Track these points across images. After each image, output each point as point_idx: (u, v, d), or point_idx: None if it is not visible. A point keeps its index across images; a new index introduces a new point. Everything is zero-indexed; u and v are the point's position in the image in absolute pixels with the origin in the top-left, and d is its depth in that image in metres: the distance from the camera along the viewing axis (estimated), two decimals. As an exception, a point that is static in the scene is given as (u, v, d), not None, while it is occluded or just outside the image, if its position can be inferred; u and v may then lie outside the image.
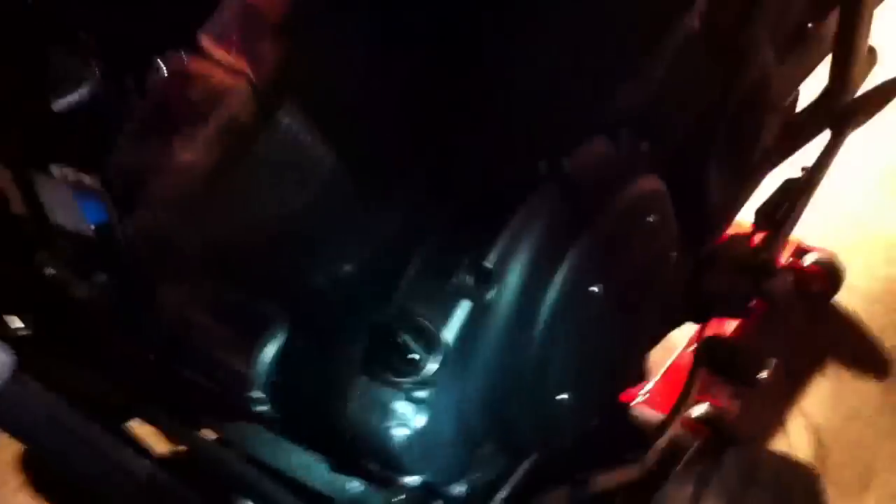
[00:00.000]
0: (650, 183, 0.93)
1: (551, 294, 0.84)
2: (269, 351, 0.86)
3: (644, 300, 0.97)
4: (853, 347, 1.78)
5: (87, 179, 0.55)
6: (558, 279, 0.84)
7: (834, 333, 1.82)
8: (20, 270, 0.71)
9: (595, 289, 0.87)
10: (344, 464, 0.98)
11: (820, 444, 1.60)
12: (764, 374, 1.01)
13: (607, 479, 0.98)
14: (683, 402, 1.06)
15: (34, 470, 0.94)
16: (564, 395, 0.89)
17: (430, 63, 0.73)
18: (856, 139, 2.06)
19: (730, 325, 1.51)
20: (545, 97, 0.80)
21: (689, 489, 0.99)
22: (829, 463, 1.57)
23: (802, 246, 1.86)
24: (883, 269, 1.94)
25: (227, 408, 0.93)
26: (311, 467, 0.98)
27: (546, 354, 0.86)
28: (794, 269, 1.82)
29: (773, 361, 1.01)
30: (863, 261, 1.94)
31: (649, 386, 1.48)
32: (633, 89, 0.88)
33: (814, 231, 1.90)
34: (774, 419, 1.64)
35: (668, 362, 1.49)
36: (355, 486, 0.97)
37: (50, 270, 0.70)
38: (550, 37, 0.80)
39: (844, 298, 1.87)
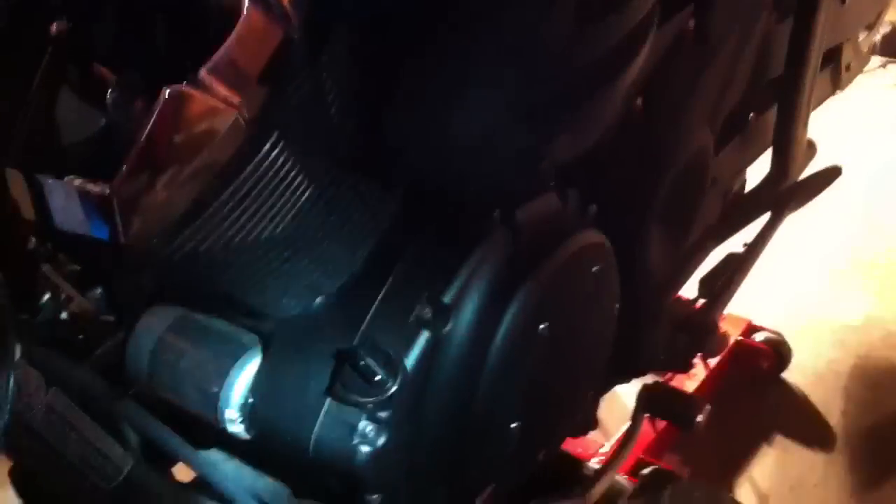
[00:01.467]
0: (595, 237, 1.03)
1: (502, 330, 0.93)
2: (244, 373, 0.95)
3: (588, 345, 1.07)
4: (799, 422, 1.88)
5: (97, 188, 0.64)
6: (508, 317, 0.93)
7: (781, 408, 1.91)
8: (23, 279, 0.79)
9: (542, 326, 0.96)
10: (307, 490, 1.06)
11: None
12: (700, 418, 1.09)
13: (552, 512, 1.06)
14: (626, 444, 1.14)
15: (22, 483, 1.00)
16: (512, 425, 0.98)
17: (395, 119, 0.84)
18: (806, 232, 2.21)
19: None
20: (493, 155, 0.91)
21: (627, 520, 1.07)
22: (774, 531, 1.64)
23: (753, 325, 1.97)
24: (829, 352, 2.05)
25: (200, 433, 0.99)
26: (275, 493, 1.05)
27: (496, 385, 0.94)
28: (744, 345, 1.92)
29: (708, 407, 1.10)
30: (811, 343, 2.05)
31: (605, 448, 1.57)
32: (572, 149, 0.98)
33: (765, 314, 2.02)
34: (723, 486, 1.72)
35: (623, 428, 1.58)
36: (317, 512, 1.04)
37: (52, 280, 0.79)
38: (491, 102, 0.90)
39: (792, 377, 1.97)
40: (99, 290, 0.87)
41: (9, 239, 0.72)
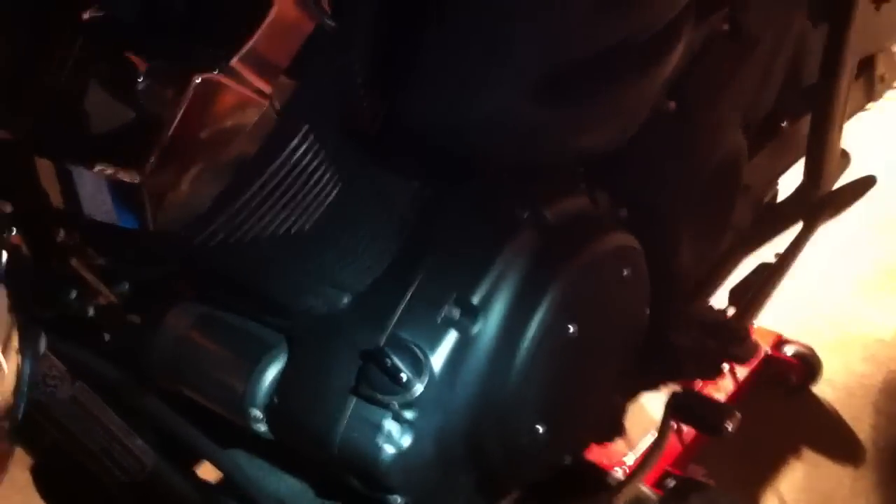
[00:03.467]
0: (625, 239, 1.02)
1: (530, 331, 0.92)
2: (268, 372, 0.94)
3: (617, 348, 1.05)
4: (829, 436, 1.85)
5: (127, 176, 0.64)
6: (537, 317, 0.92)
7: (810, 422, 1.88)
8: (52, 272, 0.79)
9: (571, 328, 0.95)
10: (330, 491, 1.05)
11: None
12: (729, 425, 1.08)
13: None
14: (653, 451, 1.13)
15: (44, 484, 1.00)
16: (539, 427, 0.96)
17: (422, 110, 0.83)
18: (837, 246, 2.18)
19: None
20: (523, 149, 0.90)
21: (655, 528, 1.05)
22: (803, 545, 1.62)
23: (782, 338, 1.94)
24: (859, 367, 2.02)
25: (224, 432, 0.99)
26: (300, 493, 1.05)
27: (523, 386, 0.93)
28: (774, 358, 1.90)
29: (738, 414, 1.08)
30: (840, 357, 2.02)
31: (629, 458, 1.55)
32: (604, 144, 0.97)
33: (795, 329, 1.99)
34: (751, 501, 1.69)
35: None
36: (340, 513, 1.04)
37: (80, 273, 0.79)
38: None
39: (822, 391, 1.94)
40: (126, 286, 0.86)
41: (38, 231, 0.72)
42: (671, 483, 1.26)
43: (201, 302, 1.00)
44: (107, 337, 0.90)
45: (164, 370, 0.99)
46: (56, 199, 0.68)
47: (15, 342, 0.58)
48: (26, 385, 0.61)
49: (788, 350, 1.94)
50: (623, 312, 1.05)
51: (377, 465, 0.89)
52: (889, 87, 1.75)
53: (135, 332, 1.00)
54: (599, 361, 1.03)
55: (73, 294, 0.87)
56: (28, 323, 0.61)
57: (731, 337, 1.22)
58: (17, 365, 0.59)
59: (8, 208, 0.67)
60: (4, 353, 0.56)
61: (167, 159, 0.65)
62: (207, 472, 1.02)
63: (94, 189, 0.66)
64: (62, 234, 0.80)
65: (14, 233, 0.66)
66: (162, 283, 0.97)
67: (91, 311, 0.89)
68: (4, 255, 0.63)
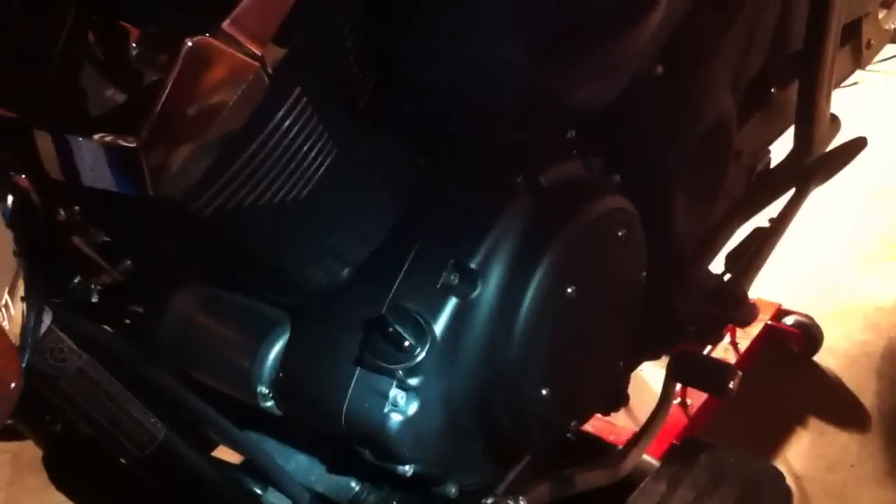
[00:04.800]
0: (620, 202, 1.03)
1: (530, 293, 0.93)
2: (274, 348, 0.95)
3: (617, 311, 1.06)
4: (833, 404, 1.86)
5: (124, 141, 0.65)
6: (535, 280, 0.93)
7: (814, 391, 1.89)
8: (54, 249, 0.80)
9: (569, 290, 0.96)
10: (340, 464, 1.06)
11: (803, 493, 1.66)
12: (732, 384, 1.08)
13: (588, 478, 1.05)
14: (658, 413, 1.13)
15: (55, 470, 1.00)
16: (543, 390, 0.97)
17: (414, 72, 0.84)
18: (837, 215, 2.19)
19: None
20: (515, 107, 0.91)
21: (662, 486, 1.06)
22: (811, 510, 1.62)
23: (783, 308, 1.95)
24: (861, 335, 2.03)
25: (233, 410, 0.99)
26: (310, 468, 1.06)
27: (526, 349, 0.94)
28: (775, 329, 1.91)
29: (739, 373, 1.09)
30: (842, 327, 2.03)
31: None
32: (594, 100, 0.99)
33: (796, 300, 2.00)
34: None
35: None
36: (352, 485, 1.04)
37: (83, 251, 0.79)
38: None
39: (824, 360, 1.95)
40: (128, 263, 0.87)
41: (40, 206, 0.73)
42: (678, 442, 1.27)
43: (205, 283, 1.01)
44: (111, 312, 0.90)
45: (172, 353, 1.00)
46: (55, 171, 0.69)
47: (21, 289, 0.59)
48: (31, 331, 0.61)
49: (789, 320, 1.95)
50: (621, 274, 1.06)
51: (385, 434, 0.90)
52: (876, 53, 1.77)
53: (140, 317, 1.01)
54: (600, 324, 1.04)
55: (77, 279, 0.88)
56: (34, 270, 0.61)
57: (731, 301, 1.22)
58: (23, 310, 0.59)
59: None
60: (10, 297, 0.57)
61: (163, 123, 0.66)
62: (217, 452, 1.03)
63: (93, 157, 0.67)
64: (62, 213, 0.80)
65: (23, 177, 0.66)
66: (164, 265, 0.97)
67: (95, 297, 0.90)
68: (10, 198, 0.63)
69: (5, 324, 0.56)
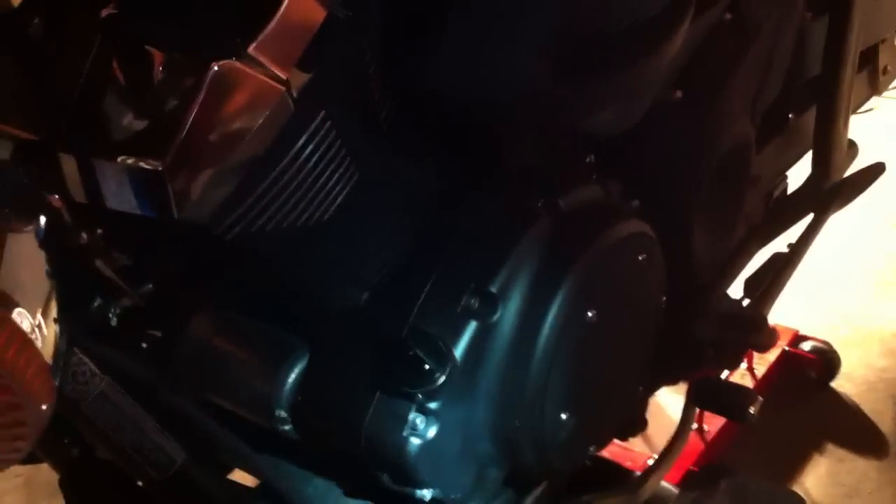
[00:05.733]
0: (639, 226, 1.03)
1: (550, 317, 0.93)
2: (293, 372, 0.95)
3: (636, 336, 1.06)
4: (851, 430, 1.84)
5: (149, 165, 0.65)
6: (555, 304, 0.93)
7: (832, 417, 1.88)
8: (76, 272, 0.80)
9: (589, 314, 0.96)
10: (358, 489, 1.05)
11: (822, 519, 1.64)
12: (752, 409, 1.08)
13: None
14: (677, 439, 1.13)
15: (73, 493, 1.00)
16: (563, 415, 0.97)
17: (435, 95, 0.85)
18: (851, 242, 2.19)
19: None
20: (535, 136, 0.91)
21: (683, 513, 1.05)
22: (831, 537, 1.61)
23: (800, 335, 1.94)
24: (879, 361, 2.02)
25: (251, 434, 0.99)
26: (328, 493, 1.05)
27: (545, 374, 0.94)
28: (792, 355, 1.90)
29: (760, 399, 1.09)
30: (859, 353, 2.02)
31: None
32: (613, 126, 0.99)
33: (813, 326, 2.00)
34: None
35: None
36: (369, 511, 1.04)
37: (104, 274, 0.80)
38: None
39: (842, 386, 1.94)
40: (149, 287, 0.87)
41: (63, 228, 0.73)
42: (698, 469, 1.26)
43: (222, 308, 1.01)
44: (132, 336, 0.90)
45: (190, 376, 1.00)
46: (79, 194, 0.70)
47: (53, 310, 0.59)
48: (63, 353, 0.62)
49: (806, 346, 1.94)
50: (640, 299, 1.05)
51: (403, 457, 0.90)
52: (892, 78, 1.77)
53: (158, 341, 1.01)
54: (620, 349, 1.04)
55: (97, 302, 0.88)
56: (66, 291, 0.62)
57: (750, 325, 1.22)
58: (55, 332, 0.59)
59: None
60: (44, 318, 0.57)
61: (188, 147, 0.66)
62: (235, 476, 1.03)
63: (118, 180, 0.67)
64: (84, 236, 0.81)
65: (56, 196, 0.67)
66: (183, 289, 0.97)
67: (114, 321, 0.90)
68: (43, 218, 0.64)
69: (39, 343, 0.56)
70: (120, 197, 0.68)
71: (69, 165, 0.69)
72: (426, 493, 0.94)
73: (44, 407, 0.58)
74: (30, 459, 1.02)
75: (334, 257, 0.89)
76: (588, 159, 1.03)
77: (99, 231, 0.79)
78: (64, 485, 0.99)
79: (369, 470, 0.94)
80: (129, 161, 0.66)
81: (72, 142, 0.69)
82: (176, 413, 0.86)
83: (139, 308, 0.89)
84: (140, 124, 0.67)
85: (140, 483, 0.81)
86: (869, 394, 1.93)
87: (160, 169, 0.66)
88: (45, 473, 1.03)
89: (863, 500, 1.69)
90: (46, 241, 0.64)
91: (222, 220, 0.74)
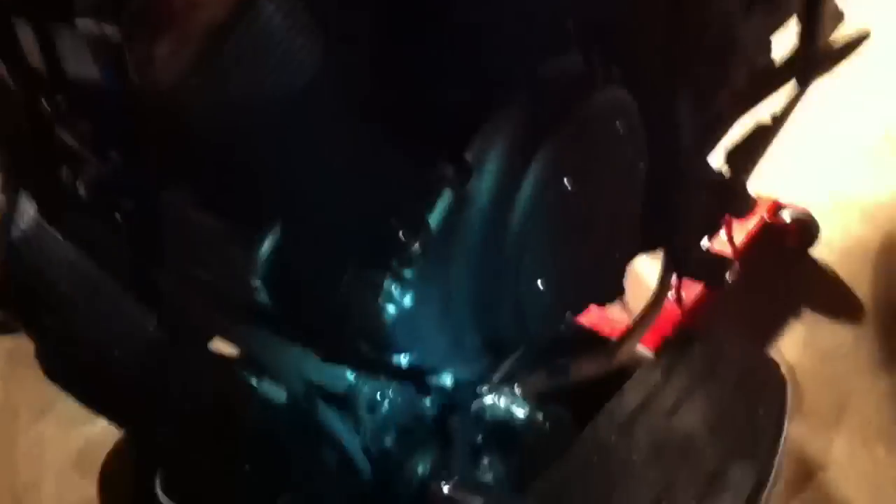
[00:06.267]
0: (619, 94, 1.01)
1: (526, 185, 0.92)
2: (267, 242, 0.94)
3: (614, 204, 1.05)
4: (827, 296, 1.86)
5: (108, 30, 0.63)
6: (532, 171, 0.92)
7: (809, 284, 1.90)
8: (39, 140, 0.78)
9: (566, 182, 0.95)
10: (335, 355, 1.06)
11: (796, 381, 1.67)
12: (728, 275, 1.08)
13: (581, 368, 1.06)
14: (654, 304, 1.13)
15: (48, 363, 1.00)
16: (539, 282, 0.97)
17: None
18: (836, 110, 2.16)
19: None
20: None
21: (657, 375, 1.06)
22: (805, 399, 1.64)
23: (779, 203, 1.94)
24: (858, 228, 2.02)
25: (227, 306, 0.99)
26: (305, 361, 1.06)
27: (522, 242, 0.93)
28: (771, 224, 1.90)
29: (736, 264, 1.09)
30: (838, 220, 2.02)
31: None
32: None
33: (794, 195, 1.99)
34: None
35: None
36: (346, 375, 1.05)
37: (68, 143, 0.78)
38: None
39: (820, 253, 1.95)
40: (114, 154, 0.85)
41: (14, 89, 0.71)
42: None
43: (195, 177, 0.99)
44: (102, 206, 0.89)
45: (164, 247, 0.99)
46: (36, 60, 0.67)
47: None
48: (7, 217, 0.60)
49: (786, 215, 1.94)
50: (618, 166, 1.04)
51: (380, 325, 0.90)
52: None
53: (131, 212, 0.99)
54: (597, 215, 1.03)
55: (64, 171, 0.86)
56: (10, 154, 0.60)
57: (730, 193, 1.21)
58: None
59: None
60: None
61: (146, 12, 0.63)
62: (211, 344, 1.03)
63: (76, 47, 0.65)
64: (45, 104, 0.79)
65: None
66: (153, 159, 0.95)
67: (83, 191, 0.88)
68: None
69: None
70: (77, 64, 0.66)
71: (24, 30, 0.66)
72: (402, 360, 0.95)
73: None
74: (10, 330, 1.02)
75: (304, 126, 0.87)
76: (567, 25, 1.00)
77: (59, 98, 0.77)
78: (40, 354, 1.00)
79: (346, 337, 0.95)
80: (88, 28, 0.64)
81: (26, 5, 0.66)
82: (150, 283, 0.86)
83: (110, 179, 0.87)
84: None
85: (115, 352, 0.81)
86: (847, 260, 1.94)
87: (118, 35, 0.63)
88: (27, 343, 1.03)
89: (838, 362, 1.72)
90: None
91: (185, 88, 0.72)
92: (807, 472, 1.57)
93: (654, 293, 1.16)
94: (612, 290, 1.17)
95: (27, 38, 0.66)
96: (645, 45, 1.10)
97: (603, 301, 1.18)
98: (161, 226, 0.98)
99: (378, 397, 1.05)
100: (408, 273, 0.89)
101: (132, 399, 0.93)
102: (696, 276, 1.18)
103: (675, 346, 1.15)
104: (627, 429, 1.11)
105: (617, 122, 1.01)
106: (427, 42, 0.91)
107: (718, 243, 1.83)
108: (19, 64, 0.68)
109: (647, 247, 1.26)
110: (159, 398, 0.92)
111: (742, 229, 1.87)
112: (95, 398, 0.95)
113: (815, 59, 1.50)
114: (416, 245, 0.87)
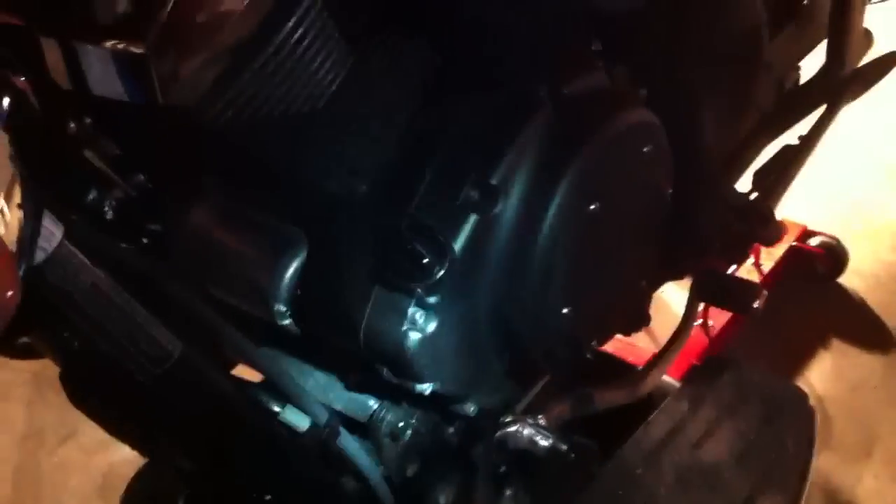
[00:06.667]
0: (645, 116, 1.00)
1: (551, 210, 0.90)
2: (291, 265, 0.93)
3: (640, 229, 1.04)
4: (856, 325, 1.84)
5: (133, 48, 0.62)
6: (557, 196, 0.90)
7: (838, 312, 1.87)
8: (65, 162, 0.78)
9: (593, 207, 0.93)
10: (358, 382, 1.05)
11: (824, 413, 1.65)
12: (757, 303, 1.06)
13: (607, 397, 1.04)
14: (680, 332, 1.12)
15: (73, 387, 1.00)
16: (565, 309, 0.95)
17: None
18: (865, 133, 2.15)
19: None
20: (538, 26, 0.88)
21: (684, 405, 1.05)
22: (833, 431, 1.62)
23: (808, 230, 1.92)
24: (888, 255, 2.00)
25: (250, 330, 0.98)
26: (328, 386, 1.05)
27: (547, 267, 0.92)
28: (800, 250, 1.88)
29: (765, 292, 1.07)
30: (868, 247, 2.00)
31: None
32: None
33: (822, 219, 1.97)
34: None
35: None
36: (370, 403, 1.04)
37: (94, 164, 0.77)
38: None
39: (849, 281, 1.93)
40: (140, 177, 0.85)
41: (39, 110, 0.70)
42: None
43: (221, 199, 0.99)
44: (126, 227, 0.89)
45: (189, 270, 0.98)
46: (62, 80, 0.67)
47: (17, 195, 0.57)
48: (29, 240, 0.60)
49: (814, 241, 1.92)
50: (645, 190, 1.03)
51: (403, 351, 0.89)
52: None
53: (156, 234, 0.99)
54: (623, 242, 1.02)
55: (91, 194, 0.86)
56: (32, 175, 0.59)
57: (758, 219, 1.20)
58: (20, 218, 0.57)
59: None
60: (7, 203, 0.55)
61: (172, 29, 0.63)
62: (235, 370, 1.02)
63: (101, 65, 0.65)
64: (72, 125, 0.78)
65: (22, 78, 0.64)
66: (178, 180, 0.95)
67: (110, 213, 0.88)
68: (6, 99, 0.61)
69: (2, 230, 0.54)
70: (103, 82, 0.65)
71: (51, 50, 0.66)
72: (426, 387, 0.93)
73: (8, 294, 0.56)
74: (36, 355, 1.02)
75: (329, 145, 0.87)
76: (594, 45, 0.99)
77: (87, 120, 0.77)
78: (65, 378, 0.99)
79: (369, 364, 0.94)
80: (112, 45, 0.64)
81: (53, 25, 0.66)
82: (174, 306, 0.85)
83: (136, 201, 0.87)
84: (123, 7, 0.64)
85: (139, 377, 0.80)
86: (877, 288, 1.91)
87: (143, 52, 0.63)
88: (53, 368, 1.02)
89: (867, 394, 1.69)
90: (9, 122, 0.61)
91: (210, 107, 0.72)
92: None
93: (680, 321, 1.14)
94: (639, 319, 1.16)
95: (53, 58, 0.66)
96: (670, 62, 1.09)
97: (629, 330, 1.17)
98: (186, 248, 0.98)
99: (401, 425, 1.03)
100: (432, 299, 0.88)
101: (155, 424, 0.92)
102: (724, 305, 1.16)
103: (703, 375, 1.13)
104: (654, 460, 1.09)
105: (644, 145, 0.99)
106: (452, 62, 0.90)
107: (746, 270, 1.82)
108: (46, 84, 0.67)
109: (675, 274, 1.25)
110: (182, 424, 0.91)
111: (770, 256, 1.85)
112: (119, 423, 0.95)
113: (843, 81, 1.48)
114: (441, 270, 0.86)
